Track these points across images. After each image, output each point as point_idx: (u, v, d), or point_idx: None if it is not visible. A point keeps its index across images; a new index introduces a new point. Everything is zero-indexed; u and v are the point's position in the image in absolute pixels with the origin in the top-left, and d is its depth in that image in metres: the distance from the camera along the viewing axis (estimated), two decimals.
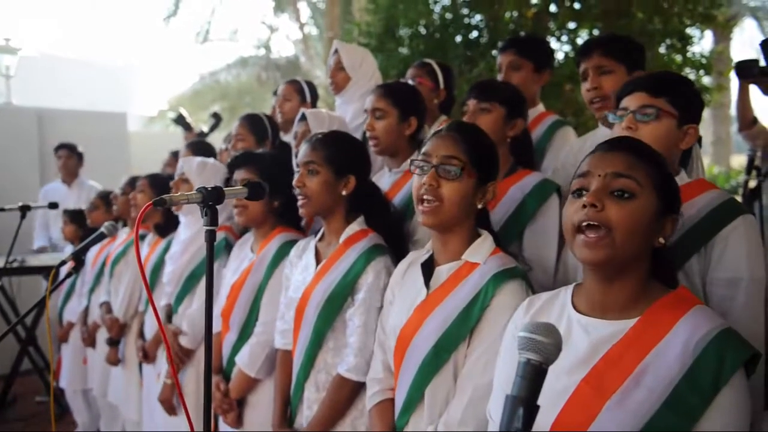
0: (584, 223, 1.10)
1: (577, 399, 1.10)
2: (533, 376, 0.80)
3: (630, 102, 1.49)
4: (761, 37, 15.70)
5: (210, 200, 1.25)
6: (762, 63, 3.03)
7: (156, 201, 1.19)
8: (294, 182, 1.86)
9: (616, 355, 1.10)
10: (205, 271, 1.26)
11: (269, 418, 2.02)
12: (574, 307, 1.21)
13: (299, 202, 1.86)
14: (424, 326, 1.47)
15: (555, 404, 1.12)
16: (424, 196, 1.47)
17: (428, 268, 1.56)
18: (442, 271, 1.53)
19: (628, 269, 1.14)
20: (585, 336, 1.15)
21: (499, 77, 2.47)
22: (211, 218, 1.25)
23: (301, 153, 1.90)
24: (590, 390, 1.10)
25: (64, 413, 4.37)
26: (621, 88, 1.56)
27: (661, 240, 1.14)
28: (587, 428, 1.07)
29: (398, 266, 1.70)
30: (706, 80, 6.47)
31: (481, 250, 1.50)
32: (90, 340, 3.64)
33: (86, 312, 3.73)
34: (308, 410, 1.86)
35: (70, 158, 5.08)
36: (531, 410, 0.77)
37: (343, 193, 1.86)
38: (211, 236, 1.25)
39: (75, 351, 3.94)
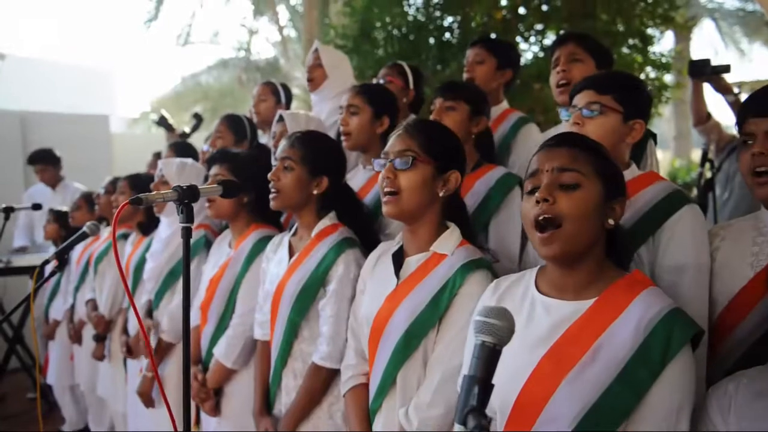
0: (540, 217, 1.15)
1: (538, 374, 1.14)
2: (488, 357, 0.82)
3: (579, 100, 1.54)
4: (718, 37, 16.02)
5: (185, 198, 1.26)
6: (713, 63, 3.11)
7: (132, 200, 1.20)
8: (269, 175, 1.86)
9: (575, 333, 1.15)
10: (182, 266, 1.26)
11: (246, 407, 2.03)
12: (537, 289, 1.25)
13: (270, 195, 1.87)
14: (396, 314, 1.49)
15: (519, 379, 1.16)
16: (385, 189, 1.50)
17: (398, 258, 1.58)
18: (412, 262, 1.55)
19: (583, 255, 1.18)
20: (546, 315, 1.20)
21: (465, 72, 2.51)
22: (187, 216, 1.26)
23: (279, 148, 1.91)
24: (550, 365, 1.14)
25: (52, 409, 4.33)
26: (573, 88, 1.60)
27: (611, 222, 1.18)
28: (548, 401, 1.11)
29: (369, 257, 1.71)
30: (667, 78, 6.59)
31: (449, 242, 1.52)
32: (76, 337, 3.61)
33: (72, 310, 3.70)
34: (287, 397, 1.88)
35: (46, 170, 4.95)
36: (486, 388, 0.79)
37: (315, 192, 1.87)
38: (186, 233, 1.26)
39: (62, 348, 3.92)
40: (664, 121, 18.10)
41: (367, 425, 1.59)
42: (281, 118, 2.34)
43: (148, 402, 2.57)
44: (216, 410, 2.18)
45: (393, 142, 1.53)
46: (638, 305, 1.13)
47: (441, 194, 1.51)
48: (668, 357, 1.08)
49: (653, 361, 1.09)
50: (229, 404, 2.17)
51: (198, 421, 2.32)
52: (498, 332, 0.83)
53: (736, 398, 1.12)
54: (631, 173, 1.54)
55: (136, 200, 1.19)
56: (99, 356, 3.32)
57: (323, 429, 1.83)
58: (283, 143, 1.91)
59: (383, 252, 1.67)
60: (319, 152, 1.88)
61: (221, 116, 2.90)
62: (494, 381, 1.19)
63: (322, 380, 1.80)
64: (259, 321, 2.04)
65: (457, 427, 0.75)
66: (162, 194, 1.26)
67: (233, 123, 2.81)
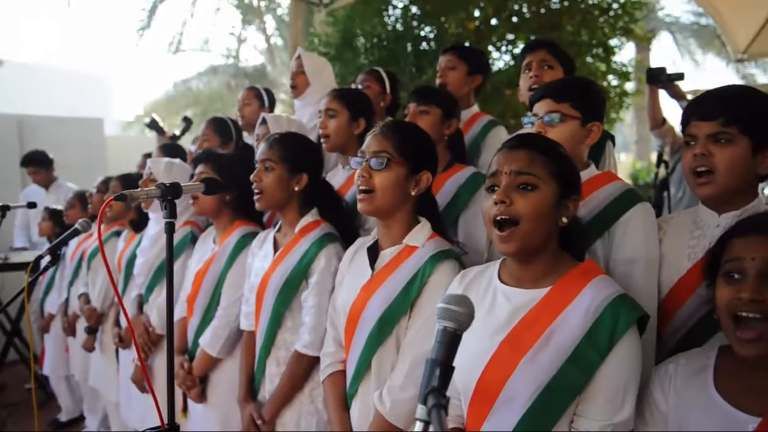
0: (498, 217, 1.16)
1: (498, 357, 1.16)
2: (449, 341, 0.82)
3: (539, 108, 1.55)
4: (675, 48, 16.28)
5: (168, 195, 1.25)
6: (668, 71, 3.16)
7: (117, 196, 1.18)
8: (251, 177, 1.85)
9: (531, 318, 1.16)
10: (166, 259, 1.25)
11: (230, 394, 2.02)
12: (500, 279, 1.26)
13: (255, 196, 1.86)
14: (370, 303, 1.50)
15: (481, 362, 1.17)
16: (360, 187, 1.50)
17: (373, 251, 1.59)
18: (386, 254, 1.55)
19: (539, 249, 1.19)
20: (507, 303, 1.21)
21: (438, 77, 2.52)
22: (170, 211, 1.24)
23: (259, 151, 1.90)
24: (509, 349, 1.15)
25: (49, 399, 4.27)
26: (532, 95, 1.62)
27: (564, 220, 1.19)
28: (506, 382, 1.13)
29: (347, 251, 1.72)
30: (629, 86, 6.68)
31: (420, 235, 1.53)
32: (70, 330, 3.56)
33: (66, 304, 3.65)
34: (270, 384, 1.87)
35: (38, 173, 4.86)
36: (447, 371, 0.79)
37: (296, 189, 1.86)
38: (170, 228, 1.24)
39: (57, 340, 3.86)
40: (626, 126, 18.35)
41: (344, 409, 1.59)
42: (264, 121, 2.33)
43: (143, 389, 2.56)
44: (202, 397, 2.16)
45: (369, 142, 1.53)
46: (589, 292, 1.15)
47: (413, 193, 1.52)
48: (615, 338, 1.11)
49: (601, 342, 1.11)
50: (215, 392, 2.15)
51: (185, 408, 2.30)
52: (459, 318, 0.83)
53: (675, 377, 1.15)
54: (589, 173, 1.56)
55: (120, 197, 1.18)
56: (89, 347, 3.29)
57: (305, 414, 1.83)
58: (262, 146, 1.90)
59: (360, 246, 1.67)
60: (297, 151, 1.88)
61: (207, 120, 2.88)
62: (459, 365, 1.20)
63: (304, 367, 1.80)
64: (245, 312, 2.02)
65: (419, 407, 0.75)
66: (146, 191, 1.24)
67: (219, 125, 2.79)
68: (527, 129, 1.60)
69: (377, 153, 1.49)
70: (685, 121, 1.37)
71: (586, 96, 1.55)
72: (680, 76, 3.10)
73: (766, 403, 1.03)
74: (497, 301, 1.23)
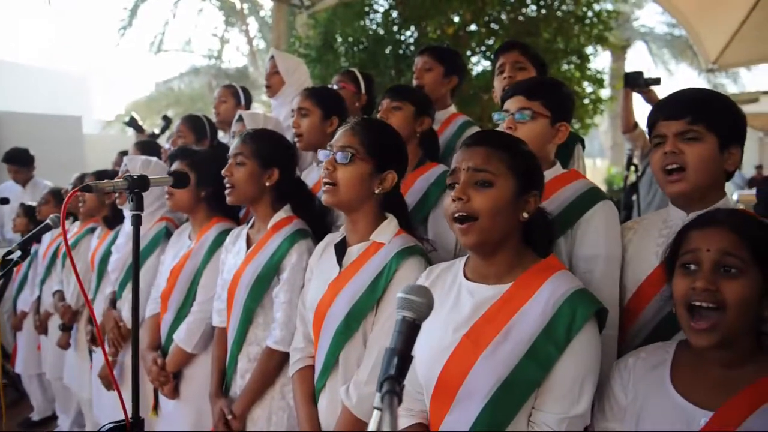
0: (456, 214, 1.16)
1: (459, 351, 1.16)
2: (408, 331, 0.82)
3: (510, 105, 1.56)
4: (649, 58, 16.56)
5: (135, 187, 1.23)
6: (646, 75, 3.20)
7: (82, 187, 1.16)
8: (223, 171, 1.84)
9: (492, 314, 1.16)
10: (132, 252, 1.23)
11: (204, 390, 1.99)
12: (465, 275, 1.26)
13: (226, 190, 1.84)
14: (337, 299, 1.49)
15: (443, 357, 1.17)
16: (324, 179, 1.49)
17: (341, 248, 1.58)
18: (353, 251, 1.55)
19: (500, 244, 1.19)
20: (470, 298, 1.21)
21: (414, 79, 2.52)
22: (137, 204, 1.22)
23: (232, 146, 1.89)
24: (470, 344, 1.15)
25: (23, 398, 4.17)
26: (504, 93, 1.62)
27: (525, 215, 1.19)
28: (466, 376, 1.13)
29: (317, 247, 1.71)
30: (603, 93, 6.79)
31: (387, 232, 1.52)
32: (42, 328, 3.49)
33: (38, 301, 3.57)
34: (241, 380, 1.85)
35: (20, 172, 4.82)
36: (405, 360, 0.78)
37: (267, 183, 1.85)
38: (136, 220, 1.23)
39: (29, 338, 3.78)
40: (601, 132, 18.61)
41: (312, 404, 1.58)
42: (240, 118, 2.31)
43: (109, 385, 2.52)
44: (175, 393, 2.13)
45: (338, 136, 1.52)
46: (548, 287, 1.16)
47: (376, 191, 1.50)
48: (572, 333, 1.11)
49: (558, 336, 1.11)
50: (188, 387, 2.12)
51: (156, 406, 2.26)
52: (418, 308, 0.83)
53: (634, 371, 1.16)
54: (554, 172, 1.57)
55: (86, 187, 1.16)
56: (64, 345, 3.22)
57: (276, 409, 1.81)
58: (235, 141, 1.89)
59: (329, 242, 1.66)
60: (269, 146, 1.86)
61: (181, 117, 2.85)
62: (422, 360, 1.22)
63: (275, 363, 1.78)
64: (217, 309, 2.00)
65: (376, 395, 0.74)
66: (112, 182, 1.22)
67: (193, 123, 2.76)
68: (498, 125, 1.61)
69: (343, 147, 1.48)
70: (652, 123, 1.38)
71: (556, 96, 1.56)
72: (657, 81, 3.13)
73: (719, 397, 1.04)
74: (461, 297, 1.23)
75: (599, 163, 18.25)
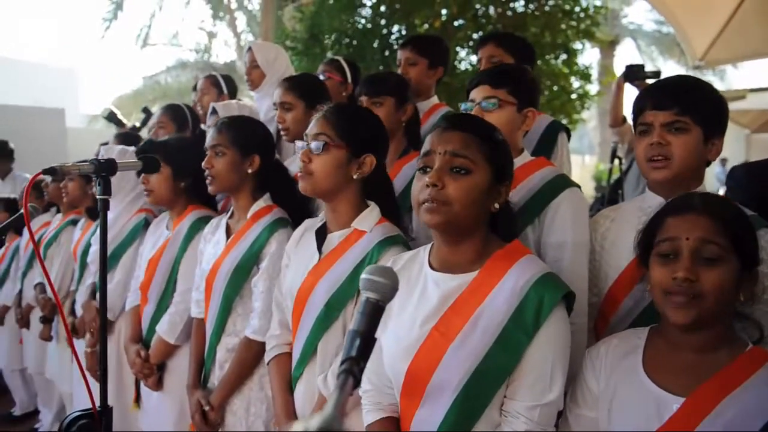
0: (427, 202, 1.11)
1: (428, 344, 1.13)
2: (371, 312, 0.80)
3: (476, 94, 1.55)
4: (638, 54, 16.66)
5: (102, 171, 1.20)
6: (647, 69, 3.19)
7: (46, 170, 1.13)
8: (203, 164, 1.81)
9: (460, 303, 1.14)
10: (100, 238, 1.20)
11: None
12: (430, 265, 1.22)
13: (207, 181, 1.81)
14: (317, 288, 1.46)
15: (411, 351, 1.14)
16: (300, 171, 1.46)
17: (321, 234, 1.55)
18: (334, 238, 1.52)
19: (468, 232, 1.16)
20: (437, 289, 1.18)
21: (399, 70, 2.49)
22: (104, 188, 1.19)
23: (208, 137, 1.85)
24: (439, 335, 1.12)
25: (5, 393, 4.12)
26: (469, 82, 1.62)
27: (496, 205, 1.16)
28: (435, 369, 1.10)
29: (294, 233, 1.67)
30: (593, 89, 6.82)
31: (368, 220, 1.49)
32: (24, 322, 3.45)
33: (20, 295, 3.52)
34: (220, 370, 1.82)
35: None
36: (367, 341, 0.76)
37: (249, 171, 1.82)
38: (104, 205, 1.20)
39: (11, 333, 3.74)
40: (590, 129, 18.70)
41: (288, 392, 1.56)
42: (214, 111, 2.28)
43: (96, 376, 2.47)
44: (158, 385, 2.10)
45: (311, 126, 1.49)
46: (514, 273, 1.13)
47: (355, 177, 1.47)
48: (541, 318, 1.08)
49: (527, 323, 1.08)
50: (172, 378, 2.10)
51: (138, 398, 2.24)
52: (381, 289, 0.81)
53: (606, 358, 1.14)
54: (522, 159, 1.57)
55: (50, 170, 1.13)
56: (46, 337, 3.19)
57: (254, 400, 1.79)
58: (210, 132, 1.86)
59: (307, 228, 1.63)
60: (247, 133, 1.83)
61: (161, 107, 2.81)
62: (390, 355, 1.20)
63: (254, 353, 1.75)
64: (195, 299, 1.97)
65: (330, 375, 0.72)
66: (78, 166, 1.19)
67: (174, 112, 2.72)
68: None
69: (316, 136, 1.45)
70: (639, 111, 1.37)
71: (521, 83, 1.56)
72: (657, 74, 3.12)
73: (691, 383, 1.03)
74: (427, 288, 1.19)
75: (588, 160, 18.35)
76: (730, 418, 0.97)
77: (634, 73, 3.17)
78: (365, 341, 0.77)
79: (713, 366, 1.03)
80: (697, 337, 1.05)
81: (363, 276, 0.82)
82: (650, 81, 3.12)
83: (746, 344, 1.06)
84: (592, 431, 1.14)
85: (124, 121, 4.06)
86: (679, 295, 1.02)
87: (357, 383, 0.70)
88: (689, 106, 1.29)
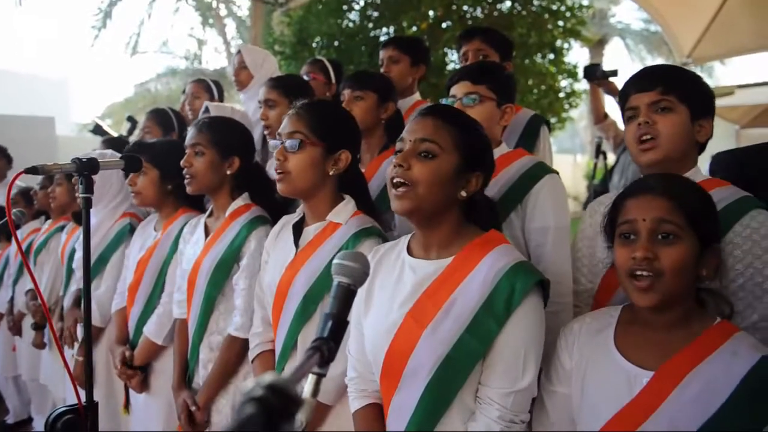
0: (394, 180, 1.16)
1: (403, 329, 1.15)
2: (343, 296, 0.82)
3: (457, 90, 1.59)
4: (626, 53, 16.75)
5: (84, 170, 1.22)
6: (603, 68, 3.25)
7: (27, 169, 1.15)
8: (182, 163, 1.81)
9: (434, 289, 1.16)
10: (83, 236, 1.22)
11: None
12: (409, 252, 1.25)
13: (186, 180, 1.82)
14: (295, 281, 1.48)
15: (389, 335, 1.16)
16: (276, 170, 1.47)
17: (298, 229, 1.56)
18: (310, 231, 1.54)
19: (439, 217, 1.19)
20: (413, 275, 1.20)
21: (382, 69, 2.52)
22: (86, 187, 1.21)
23: (188, 136, 1.85)
24: (413, 321, 1.15)
25: None
26: (449, 78, 1.65)
27: (464, 193, 1.19)
28: (410, 354, 1.12)
29: (273, 229, 1.68)
30: (579, 86, 6.86)
31: (344, 212, 1.51)
32: (16, 329, 3.44)
33: (11, 302, 3.51)
34: (204, 370, 1.83)
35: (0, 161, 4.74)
36: (340, 324, 0.78)
37: (228, 172, 1.83)
38: (86, 203, 1.21)
39: (3, 340, 3.72)
40: (581, 128, 18.78)
41: None
42: (207, 110, 2.30)
43: (83, 384, 2.47)
44: (143, 386, 2.11)
45: (284, 123, 1.50)
46: (487, 261, 1.15)
47: (331, 173, 1.49)
48: (512, 306, 1.10)
49: (498, 311, 1.10)
50: (159, 379, 2.10)
51: (127, 404, 2.24)
52: (353, 273, 0.83)
53: (579, 336, 1.17)
54: (500, 151, 1.60)
55: (31, 169, 1.15)
56: (39, 344, 3.17)
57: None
58: (190, 131, 1.86)
59: (285, 223, 1.64)
60: (227, 134, 1.84)
61: (147, 112, 2.83)
62: (370, 339, 1.21)
63: (237, 351, 1.76)
64: (177, 300, 1.97)
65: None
66: (60, 165, 1.21)
67: (160, 117, 2.74)
68: None
69: (291, 134, 1.46)
70: (625, 98, 1.39)
71: (500, 79, 1.60)
72: (614, 73, 3.18)
73: (659, 358, 1.05)
74: (404, 273, 1.22)
75: (579, 159, 18.41)
76: (698, 389, 1.00)
77: (591, 73, 3.24)
78: (337, 324, 0.79)
79: (683, 341, 1.06)
80: (665, 315, 1.08)
81: (335, 261, 0.84)
82: (612, 79, 3.19)
83: (714, 319, 1.09)
84: (565, 407, 1.16)
85: (111, 132, 4.05)
86: (641, 278, 1.05)
87: (325, 362, 0.71)
88: (672, 86, 1.31)
